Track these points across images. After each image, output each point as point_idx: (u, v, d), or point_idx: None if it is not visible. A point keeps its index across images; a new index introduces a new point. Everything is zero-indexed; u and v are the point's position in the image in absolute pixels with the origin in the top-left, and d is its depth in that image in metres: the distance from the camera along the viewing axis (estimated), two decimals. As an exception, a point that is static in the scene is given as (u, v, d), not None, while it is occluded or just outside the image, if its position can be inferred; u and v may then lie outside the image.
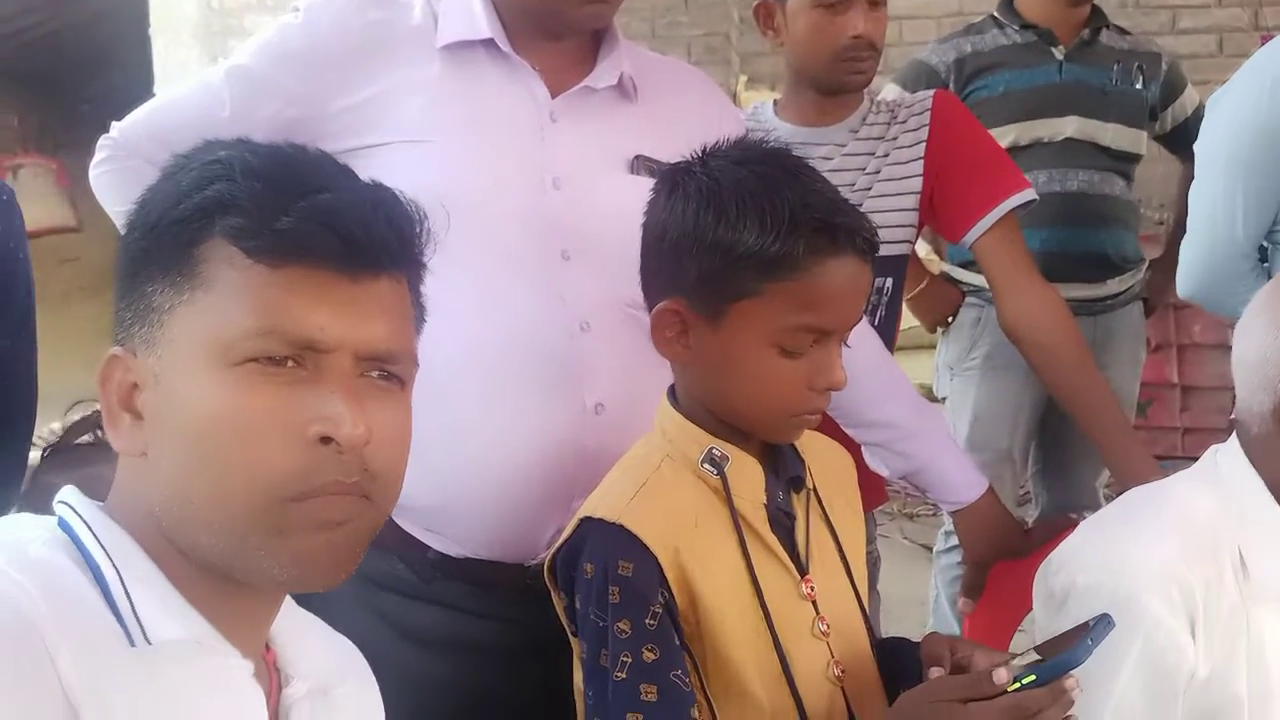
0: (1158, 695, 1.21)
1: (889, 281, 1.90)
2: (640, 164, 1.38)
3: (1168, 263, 2.60)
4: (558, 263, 1.34)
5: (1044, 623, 1.34)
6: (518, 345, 1.32)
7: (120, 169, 1.42)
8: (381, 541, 1.31)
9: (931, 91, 1.98)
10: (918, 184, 1.85)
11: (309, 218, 0.79)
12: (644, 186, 1.23)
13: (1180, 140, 2.56)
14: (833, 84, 1.90)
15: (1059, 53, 2.52)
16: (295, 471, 0.77)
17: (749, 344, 1.13)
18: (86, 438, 1.30)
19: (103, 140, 1.45)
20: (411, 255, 0.88)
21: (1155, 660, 1.20)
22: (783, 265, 1.10)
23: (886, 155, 1.87)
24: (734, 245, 1.11)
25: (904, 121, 1.90)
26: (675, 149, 1.22)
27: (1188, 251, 2.00)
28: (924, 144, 1.86)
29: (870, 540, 2.03)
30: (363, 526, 0.82)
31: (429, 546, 1.35)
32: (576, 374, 1.33)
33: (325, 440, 0.78)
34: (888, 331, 1.88)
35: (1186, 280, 2.01)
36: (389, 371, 0.84)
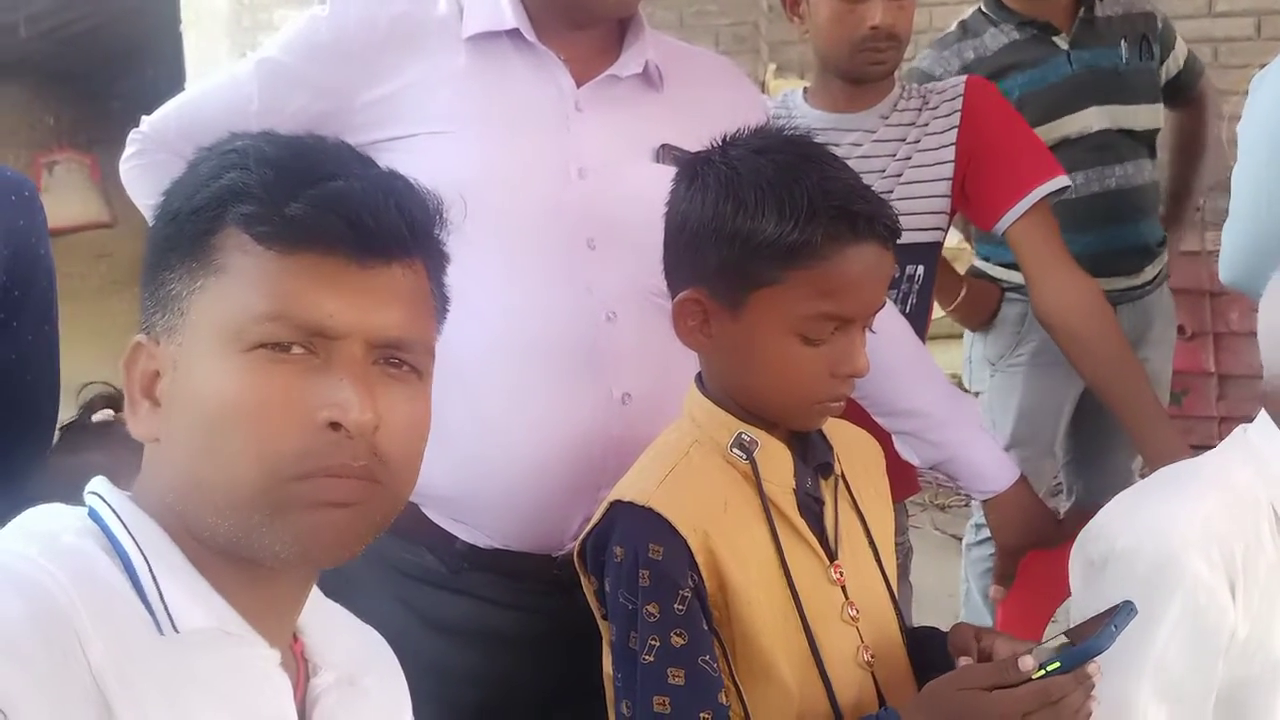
0: (1199, 653, 1.21)
1: (920, 269, 1.88)
2: (666, 153, 1.38)
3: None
4: (584, 252, 1.34)
5: (1081, 594, 1.34)
6: (544, 335, 1.32)
7: (150, 163, 1.44)
8: (409, 532, 1.33)
9: (964, 77, 1.96)
10: (949, 170, 1.83)
11: (319, 204, 0.79)
12: (669, 175, 1.23)
13: (1175, 93, 2.56)
14: (854, 73, 1.89)
15: (1062, 42, 2.42)
16: (300, 451, 0.78)
17: (770, 332, 1.13)
18: (102, 415, 1.32)
19: (133, 135, 1.47)
20: (426, 243, 0.88)
21: (1196, 618, 1.20)
22: (802, 253, 1.10)
23: (918, 141, 1.86)
24: (753, 234, 1.11)
25: (935, 108, 1.88)
26: (701, 138, 1.22)
27: (1230, 237, 1.97)
28: (956, 129, 1.84)
29: (901, 531, 2.02)
30: (372, 510, 0.82)
31: (456, 537, 1.36)
32: (603, 363, 1.33)
33: (334, 426, 0.78)
34: (919, 320, 1.87)
35: (1230, 266, 1.98)
36: (402, 360, 0.84)
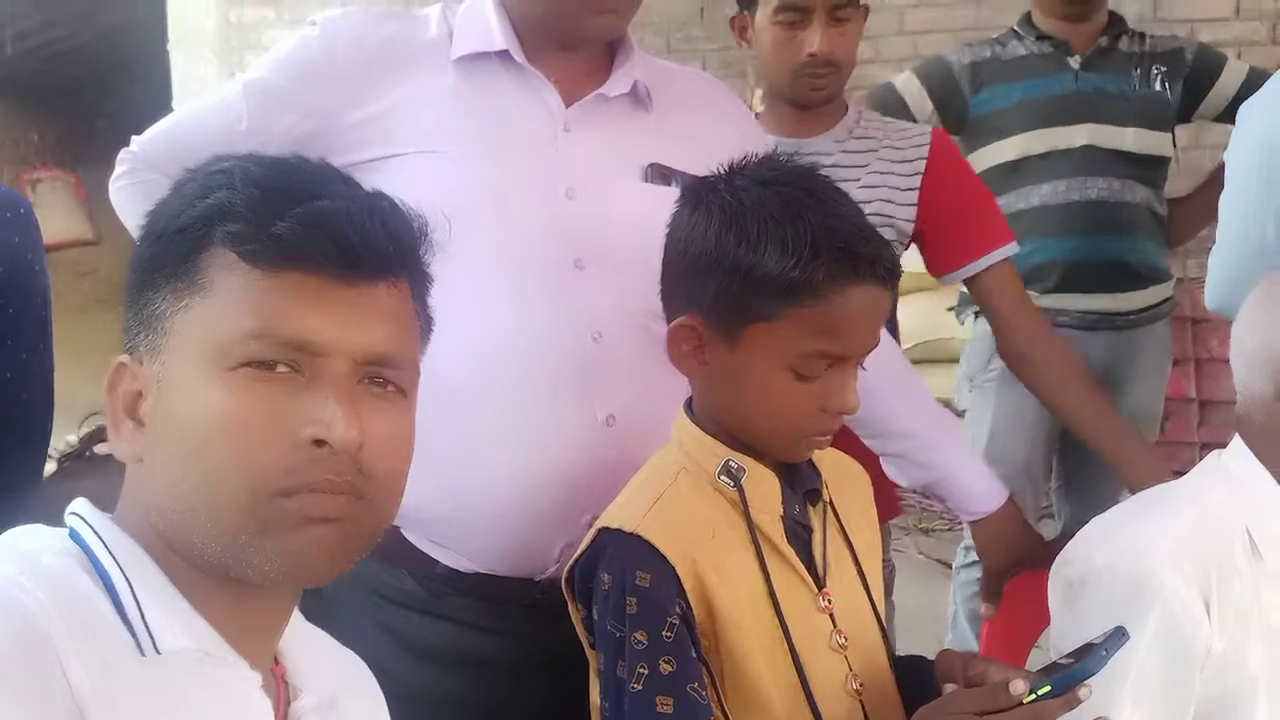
0: (1176, 666, 1.22)
1: None
2: (655, 172, 1.37)
3: (1196, 201, 2.63)
4: (571, 272, 1.33)
5: (1061, 616, 1.35)
6: (529, 355, 1.31)
7: (138, 183, 1.43)
8: (390, 556, 1.32)
9: (929, 128, 2.00)
10: (911, 213, 1.86)
11: (304, 223, 0.79)
12: (658, 195, 1.22)
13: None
14: (795, 99, 1.91)
15: (1074, 62, 2.54)
16: (285, 468, 0.78)
17: (763, 365, 1.12)
18: (102, 448, 1.31)
19: (122, 155, 1.46)
20: (411, 262, 0.88)
21: (1172, 632, 1.22)
22: (802, 291, 1.10)
23: (882, 177, 1.87)
24: (753, 268, 1.10)
25: (900, 148, 1.89)
26: (691, 157, 1.22)
27: (1216, 262, 1.99)
28: (920, 176, 1.87)
29: (884, 550, 2.02)
30: (358, 527, 0.82)
31: (438, 561, 1.34)
32: (588, 385, 1.31)
33: (319, 443, 0.78)
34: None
35: (1215, 292, 2.00)
36: (387, 378, 0.85)
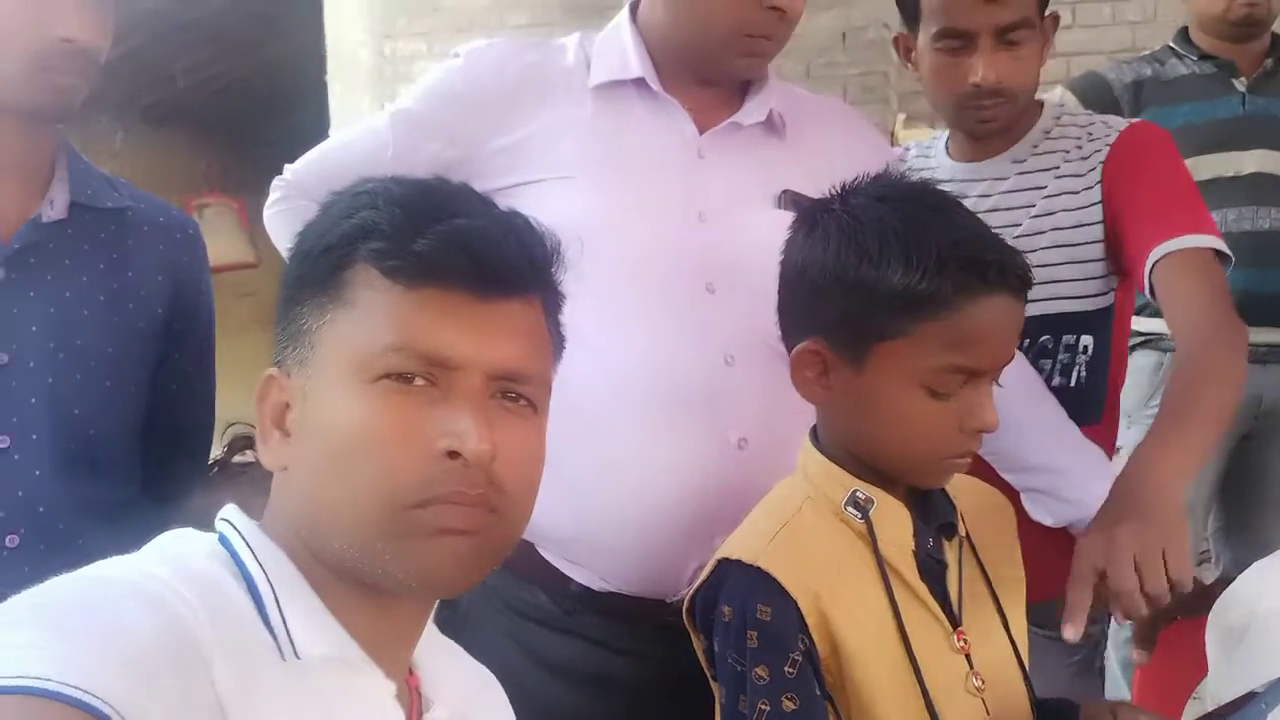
0: None
1: (1088, 340, 1.64)
2: (787, 199, 1.37)
3: None
4: (703, 295, 1.34)
5: (1219, 665, 1.27)
6: (662, 377, 1.31)
7: (291, 209, 1.49)
8: (525, 572, 1.34)
9: (1127, 121, 1.73)
10: (1096, 231, 1.61)
11: (443, 240, 0.82)
12: (789, 221, 1.22)
13: None
14: (961, 129, 1.72)
15: (1240, 84, 2.42)
16: (420, 480, 0.79)
17: (894, 385, 1.09)
18: (241, 457, 1.37)
19: (276, 182, 1.53)
20: (544, 280, 0.90)
21: None
22: (930, 305, 1.06)
23: (1060, 194, 1.65)
24: (878, 285, 1.07)
25: (1084, 152, 1.64)
26: (824, 184, 1.20)
27: None
28: (1099, 170, 1.62)
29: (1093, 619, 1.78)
30: (490, 539, 0.83)
31: (571, 579, 1.36)
32: (720, 408, 1.32)
33: (452, 455, 0.80)
34: (1094, 397, 1.65)
35: None
36: (520, 393, 0.86)
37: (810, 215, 1.17)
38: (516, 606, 1.38)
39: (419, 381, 0.82)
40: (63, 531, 1.31)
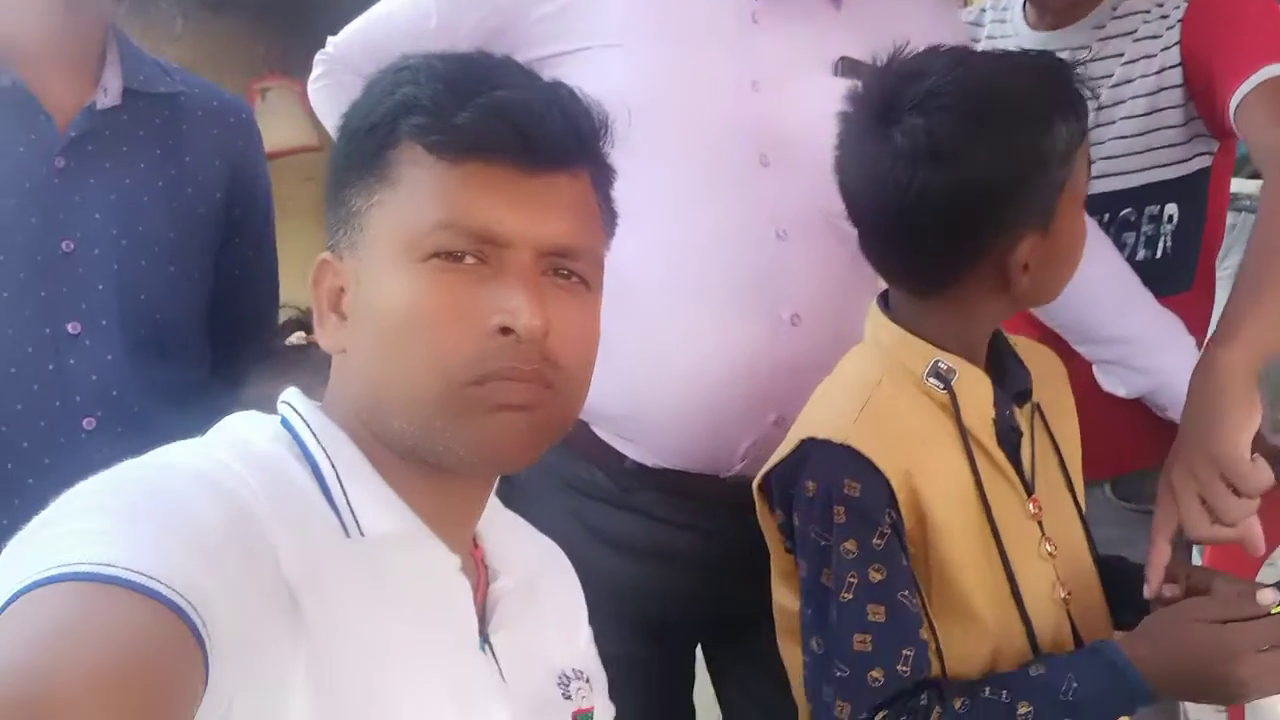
0: None
1: (1173, 208, 1.57)
2: (846, 66, 1.31)
3: None
4: (755, 168, 1.29)
5: None
6: (712, 252, 1.29)
7: (335, 84, 1.47)
8: (581, 450, 1.35)
9: None
10: (1178, 78, 1.50)
11: (485, 113, 0.80)
12: (848, 89, 1.17)
13: None
14: None
15: None
16: (473, 357, 0.79)
17: None
18: (295, 339, 1.39)
19: (319, 56, 1.50)
20: (591, 152, 0.87)
21: None
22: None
23: (1138, 59, 1.53)
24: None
25: (1163, 9, 1.52)
26: (883, 52, 1.15)
27: None
28: (1178, 27, 1.50)
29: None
30: (548, 415, 0.83)
31: (625, 456, 1.36)
32: (772, 283, 1.29)
33: (505, 331, 0.80)
34: (1182, 265, 1.57)
35: None
36: (571, 269, 0.85)
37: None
38: (575, 484, 1.39)
39: (469, 260, 0.81)
40: (137, 414, 1.34)
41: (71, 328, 1.33)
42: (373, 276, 0.82)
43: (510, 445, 0.82)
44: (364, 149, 0.84)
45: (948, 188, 1.03)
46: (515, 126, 0.80)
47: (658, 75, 1.30)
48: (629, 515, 1.37)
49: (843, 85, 1.19)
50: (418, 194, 0.81)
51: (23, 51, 1.33)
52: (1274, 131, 1.32)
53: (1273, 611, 0.96)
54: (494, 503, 0.93)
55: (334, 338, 0.86)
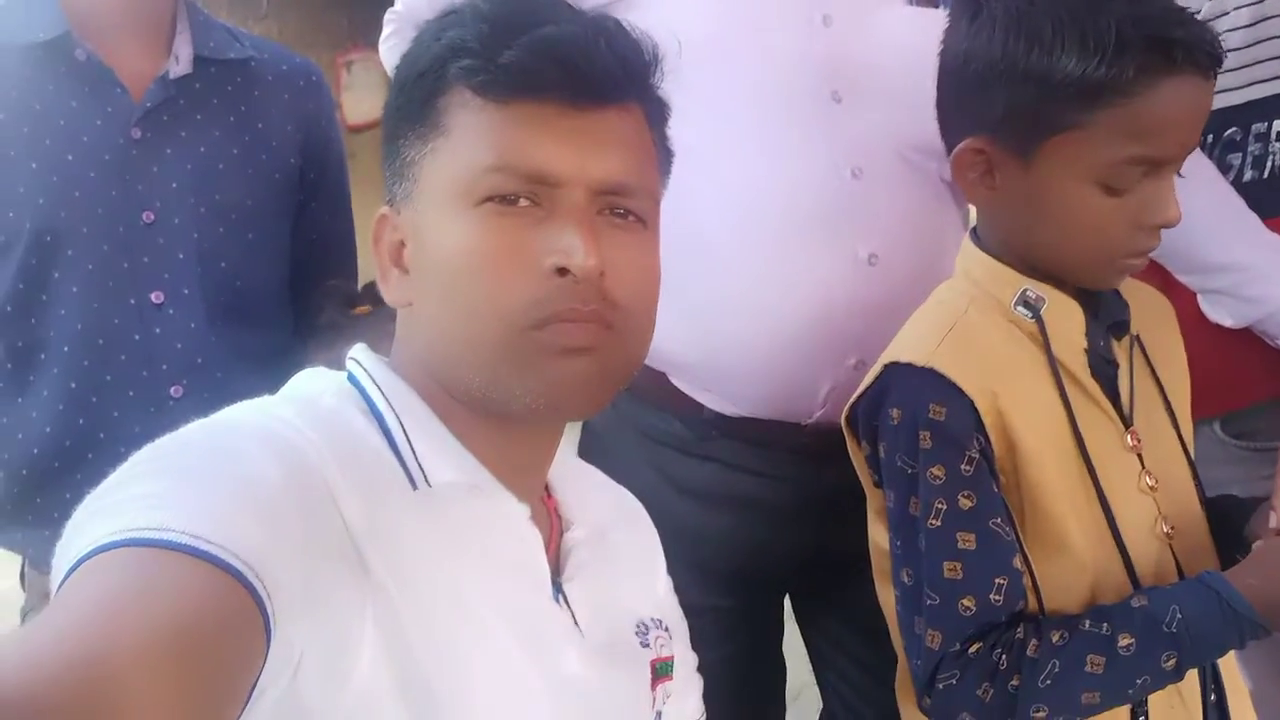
0: None
1: None
2: None
3: None
4: (827, 105, 1.25)
5: None
6: (784, 194, 1.25)
7: (404, 41, 1.45)
8: (658, 400, 1.34)
9: None
10: None
11: (530, 50, 0.78)
12: (925, 19, 1.12)
13: None
14: None
15: None
16: (531, 300, 0.78)
17: (1069, 182, 1.01)
18: (336, 316, 1.39)
19: (388, 15, 1.50)
20: (642, 86, 0.85)
21: None
22: (1110, 91, 0.97)
23: None
24: (1051, 73, 0.98)
25: None
26: None
27: None
28: None
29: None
30: (611, 357, 0.81)
31: (704, 405, 1.34)
32: (848, 223, 1.25)
33: (561, 271, 0.78)
34: None
35: None
36: (626, 208, 0.83)
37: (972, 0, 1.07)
38: (652, 434, 1.37)
39: (523, 202, 0.79)
40: (222, 380, 1.37)
41: (155, 297, 1.35)
42: (430, 226, 0.82)
43: (577, 390, 0.81)
44: (414, 97, 0.83)
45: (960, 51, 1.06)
46: (561, 62, 0.79)
47: (722, 12, 1.26)
48: (709, 465, 1.35)
49: (918, 14, 1.14)
50: (468, 138, 0.80)
51: (96, 24, 1.35)
52: None
53: None
54: (568, 453, 0.93)
55: (398, 291, 0.85)
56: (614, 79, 0.81)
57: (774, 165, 1.26)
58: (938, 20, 1.12)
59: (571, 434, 1.04)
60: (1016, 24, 1.01)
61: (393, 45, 1.49)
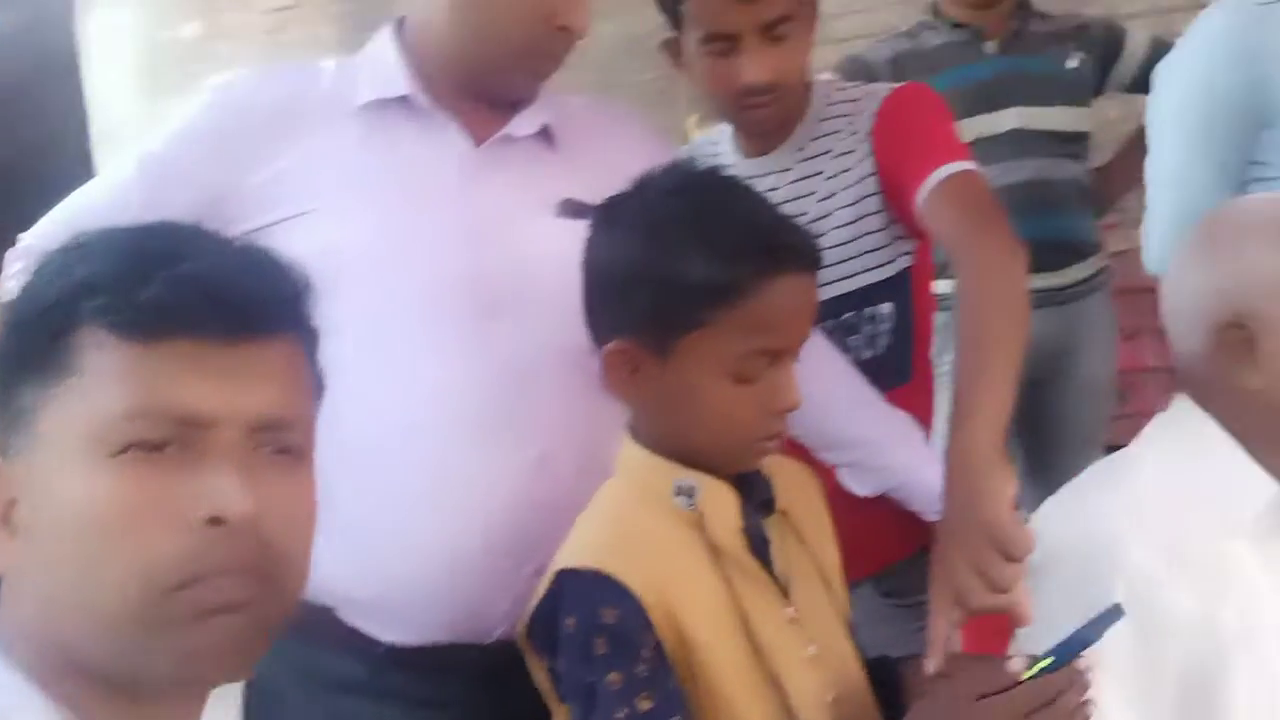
0: (1149, 640, 1.15)
1: (887, 306, 1.63)
2: (568, 207, 1.33)
3: (1115, 168, 2.63)
4: (485, 318, 1.28)
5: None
6: (446, 409, 1.26)
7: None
8: (329, 640, 1.27)
9: (889, 87, 1.70)
10: (873, 185, 1.59)
11: (174, 285, 0.74)
12: (575, 230, 1.19)
13: (1145, 82, 2.36)
14: (740, 127, 1.71)
15: (991, 47, 2.53)
16: (180, 555, 0.71)
17: (703, 376, 1.10)
18: None
19: (10, 254, 1.38)
20: (295, 317, 0.82)
21: (1141, 604, 1.12)
22: (731, 292, 1.07)
23: (835, 175, 1.64)
24: (680, 278, 1.08)
25: (853, 126, 1.62)
26: (604, 190, 1.18)
27: (1151, 225, 1.99)
28: (869, 139, 1.60)
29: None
30: (267, 610, 0.76)
31: (379, 640, 1.29)
32: (513, 428, 1.27)
33: (215, 522, 0.72)
34: (901, 359, 1.65)
35: (1153, 255, 1.99)
36: (283, 444, 0.79)
37: (606, 212, 1.16)
38: (325, 679, 1.30)
39: (170, 449, 0.73)
40: None
41: None
42: (53, 480, 0.73)
43: (225, 654, 0.74)
44: (35, 338, 0.75)
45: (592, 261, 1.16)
46: (209, 296, 0.74)
47: (376, 235, 1.28)
48: (381, 703, 1.29)
49: (567, 225, 1.21)
50: (105, 382, 0.73)
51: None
52: (951, 219, 1.44)
53: (1025, 678, 0.98)
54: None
55: (4, 555, 0.75)
56: (266, 311, 0.78)
57: (436, 380, 1.27)
58: (584, 232, 1.19)
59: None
60: (649, 234, 1.10)
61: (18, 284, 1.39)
